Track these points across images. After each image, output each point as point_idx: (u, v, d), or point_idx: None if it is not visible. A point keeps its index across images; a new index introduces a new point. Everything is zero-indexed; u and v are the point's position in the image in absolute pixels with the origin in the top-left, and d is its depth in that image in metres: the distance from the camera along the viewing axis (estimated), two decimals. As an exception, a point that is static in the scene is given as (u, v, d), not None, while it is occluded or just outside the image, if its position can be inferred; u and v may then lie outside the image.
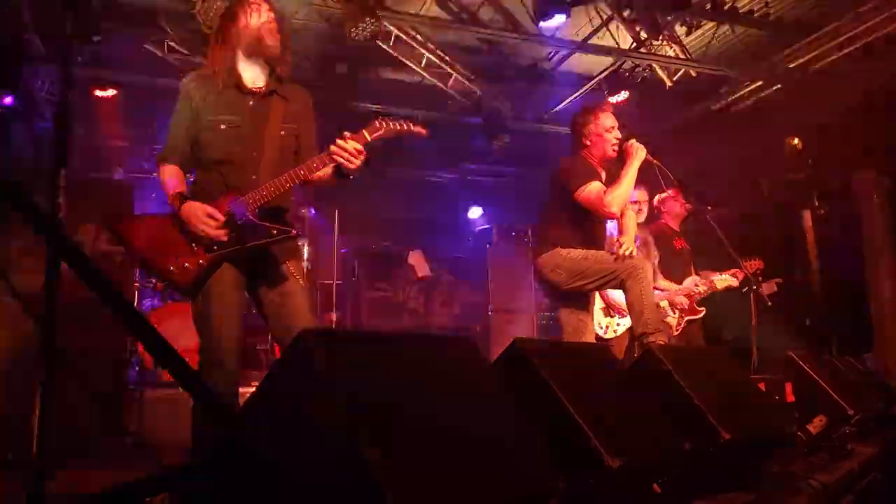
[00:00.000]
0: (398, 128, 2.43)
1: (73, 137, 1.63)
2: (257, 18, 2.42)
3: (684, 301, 4.80)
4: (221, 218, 2.29)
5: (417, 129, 2.49)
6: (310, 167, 2.36)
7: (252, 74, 2.47)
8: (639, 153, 3.49)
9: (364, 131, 2.39)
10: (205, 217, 2.28)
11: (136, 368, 4.79)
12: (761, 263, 5.02)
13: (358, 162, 2.33)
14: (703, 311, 4.87)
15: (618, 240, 3.60)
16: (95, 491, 1.27)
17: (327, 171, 2.42)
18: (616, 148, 3.59)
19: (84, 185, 4.77)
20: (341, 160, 2.33)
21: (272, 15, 2.45)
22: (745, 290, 4.96)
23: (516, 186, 8.88)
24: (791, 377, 3.81)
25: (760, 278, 4.99)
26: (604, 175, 3.66)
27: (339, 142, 2.32)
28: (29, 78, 5.72)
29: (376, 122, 2.42)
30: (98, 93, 6.19)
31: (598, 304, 4.54)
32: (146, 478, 1.36)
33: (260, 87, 2.47)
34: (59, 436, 1.64)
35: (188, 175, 2.49)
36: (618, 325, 4.58)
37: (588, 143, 3.66)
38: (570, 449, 1.62)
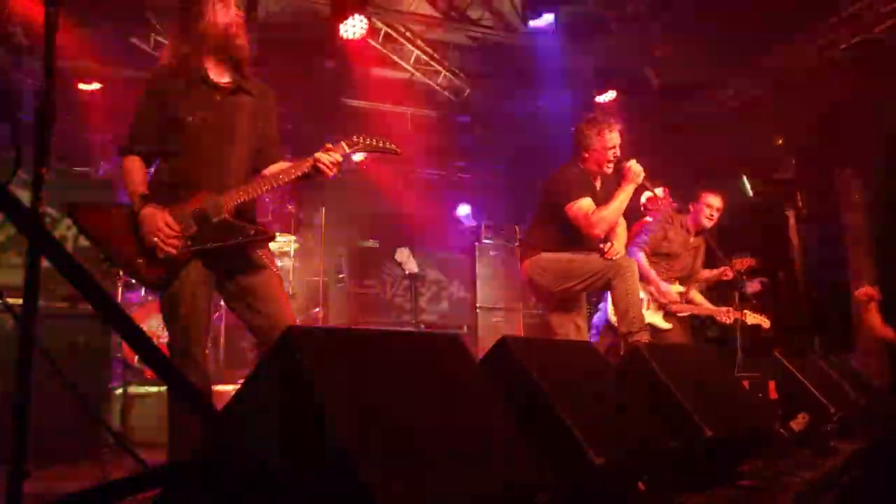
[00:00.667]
0: (374, 144, 2.59)
1: (56, 132, 1.60)
2: (224, 16, 2.41)
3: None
4: (177, 229, 2.29)
5: (391, 147, 2.65)
6: (289, 172, 2.44)
7: (217, 70, 2.47)
8: (635, 177, 3.47)
9: (343, 143, 2.51)
10: (161, 224, 2.26)
11: (119, 365, 4.74)
12: (752, 261, 5.06)
13: (335, 171, 2.45)
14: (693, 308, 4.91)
15: (609, 242, 3.60)
16: (76, 490, 1.25)
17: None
18: (611, 167, 3.59)
19: (66, 180, 4.70)
20: (322, 168, 2.43)
21: (239, 12, 2.46)
22: (739, 284, 4.99)
23: (504, 184, 8.89)
24: (774, 376, 3.85)
25: (745, 277, 5.03)
26: (598, 184, 3.68)
27: (322, 154, 2.44)
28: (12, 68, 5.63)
29: (354, 137, 2.55)
30: (82, 86, 6.12)
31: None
32: (128, 477, 1.35)
33: (227, 83, 2.47)
34: (39, 434, 1.61)
35: (150, 168, 2.47)
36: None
37: (587, 155, 3.65)
38: (555, 446, 1.63)
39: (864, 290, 4.25)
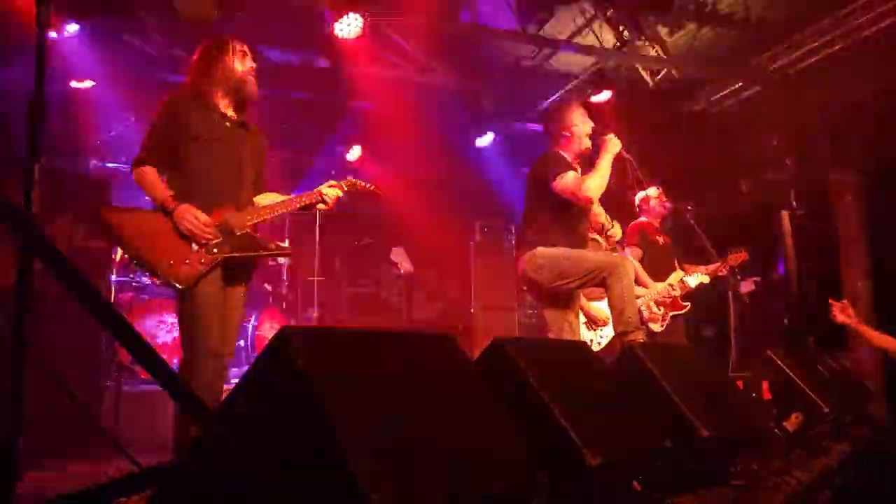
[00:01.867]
0: (365, 188, 3.10)
1: (48, 129, 1.59)
2: (241, 65, 2.73)
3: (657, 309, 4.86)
4: (210, 223, 2.52)
5: (377, 192, 3.19)
6: (301, 201, 2.80)
7: (225, 105, 2.76)
8: (612, 146, 3.55)
9: (343, 183, 2.96)
10: (202, 223, 2.49)
11: (112, 365, 4.72)
12: (746, 255, 5.08)
13: (334, 205, 2.86)
14: (687, 306, 4.91)
15: (610, 222, 3.66)
16: (69, 491, 1.24)
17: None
18: (589, 143, 3.65)
19: (59, 177, 4.67)
20: (325, 200, 2.82)
21: (254, 64, 2.78)
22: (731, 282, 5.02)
23: (499, 184, 8.88)
24: (768, 375, 3.86)
25: (739, 277, 5.05)
26: (579, 171, 3.69)
27: (327, 189, 2.85)
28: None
29: (351, 178, 3.02)
30: (74, 83, 6.08)
31: (581, 318, 4.57)
32: (121, 478, 1.34)
33: (233, 117, 2.77)
34: (32, 434, 1.60)
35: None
36: (601, 337, 4.60)
37: (562, 138, 3.70)
38: (550, 446, 1.63)
39: (838, 314, 4.26)
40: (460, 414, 1.47)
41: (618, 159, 3.60)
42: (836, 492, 2.88)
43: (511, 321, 7.62)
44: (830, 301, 4.28)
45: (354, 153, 7.62)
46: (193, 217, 2.48)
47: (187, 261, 2.45)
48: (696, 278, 4.95)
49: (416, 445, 1.27)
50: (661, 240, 5.15)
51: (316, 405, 1.17)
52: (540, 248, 3.59)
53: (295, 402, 1.21)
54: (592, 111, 3.80)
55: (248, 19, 5.15)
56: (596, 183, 3.48)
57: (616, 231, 3.92)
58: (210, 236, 2.50)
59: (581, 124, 3.66)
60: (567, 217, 3.62)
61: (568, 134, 3.67)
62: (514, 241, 7.76)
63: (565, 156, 3.68)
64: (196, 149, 2.60)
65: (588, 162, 3.69)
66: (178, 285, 2.44)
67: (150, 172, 2.58)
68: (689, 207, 5.03)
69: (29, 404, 1.38)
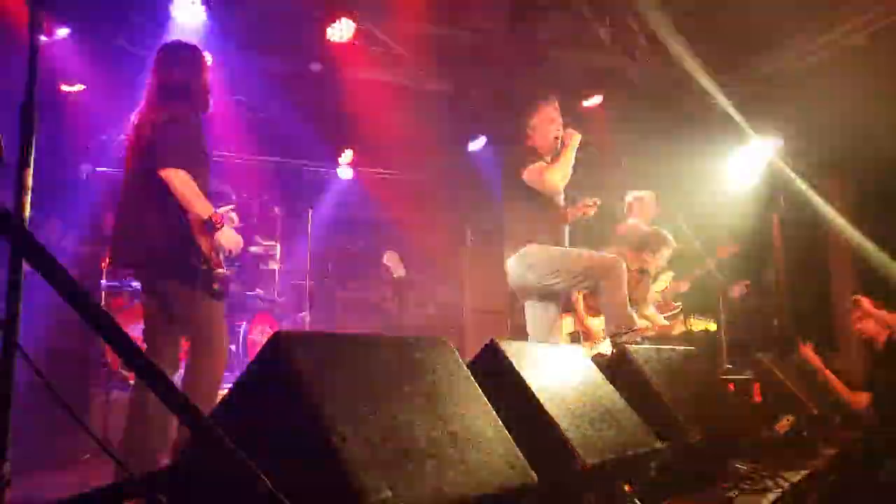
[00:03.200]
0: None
1: (38, 133, 1.59)
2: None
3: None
4: None
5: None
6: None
7: None
8: (574, 140, 3.72)
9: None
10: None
11: (103, 370, 4.68)
12: (737, 248, 5.11)
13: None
14: (678, 307, 4.93)
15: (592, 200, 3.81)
16: (57, 498, 1.23)
17: None
18: (557, 137, 3.78)
19: (49, 181, 4.64)
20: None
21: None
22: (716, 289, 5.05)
23: (491, 188, 8.89)
24: (759, 378, 3.88)
25: (729, 278, 5.07)
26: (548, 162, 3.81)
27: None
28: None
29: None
30: (65, 87, 6.05)
31: (566, 329, 4.59)
32: (112, 485, 1.33)
33: None
34: (21, 440, 1.59)
35: None
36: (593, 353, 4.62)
37: (531, 133, 3.82)
38: (544, 448, 1.63)
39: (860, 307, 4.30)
40: (454, 416, 1.47)
41: (582, 144, 3.76)
42: (826, 492, 2.90)
43: (503, 324, 7.62)
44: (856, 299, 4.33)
45: (346, 157, 7.62)
46: (236, 242, 2.81)
47: (221, 270, 2.73)
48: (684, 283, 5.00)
49: (409, 447, 1.27)
50: None
51: (310, 409, 1.17)
52: (529, 246, 3.58)
53: (289, 406, 1.21)
54: (573, 112, 3.95)
55: (241, 24, 5.14)
56: (558, 172, 3.63)
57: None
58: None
59: (551, 120, 3.81)
60: (544, 205, 3.70)
61: (537, 130, 3.81)
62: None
63: (536, 148, 3.81)
64: (203, 161, 2.79)
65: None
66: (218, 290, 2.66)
67: (185, 174, 2.63)
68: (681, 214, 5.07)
69: (17, 410, 1.37)
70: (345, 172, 7.82)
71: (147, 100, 2.85)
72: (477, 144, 7.52)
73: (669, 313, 4.90)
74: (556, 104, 3.88)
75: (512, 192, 3.78)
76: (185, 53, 2.92)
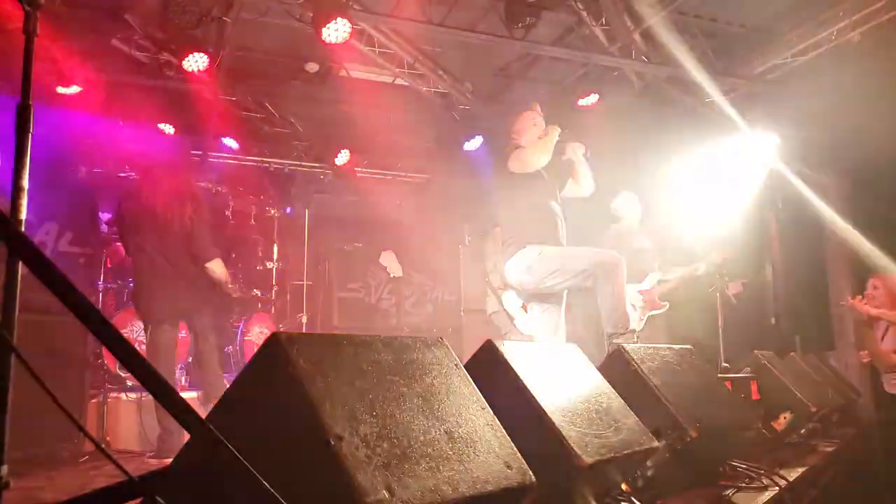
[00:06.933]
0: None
1: (34, 136, 1.58)
2: None
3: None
4: None
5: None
6: None
7: None
8: (552, 131, 3.85)
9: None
10: None
11: (100, 372, 4.67)
12: (731, 254, 5.13)
13: None
14: (665, 306, 4.91)
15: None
16: (54, 500, 1.23)
17: None
18: (540, 137, 3.88)
19: (46, 183, 4.63)
20: None
21: None
22: (711, 289, 5.05)
23: (487, 187, 8.89)
24: (757, 376, 3.89)
25: (726, 277, 5.08)
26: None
27: None
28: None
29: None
30: (61, 89, 6.03)
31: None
32: (110, 486, 1.33)
33: None
34: (18, 442, 1.58)
35: None
36: None
37: (516, 137, 3.96)
38: (541, 447, 1.63)
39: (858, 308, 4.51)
40: (452, 416, 1.47)
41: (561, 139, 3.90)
42: (824, 489, 2.90)
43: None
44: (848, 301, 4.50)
45: (343, 158, 7.61)
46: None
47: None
48: (672, 277, 5.01)
49: (407, 447, 1.27)
50: (639, 243, 5.17)
51: (307, 409, 1.17)
52: (529, 247, 3.58)
53: (287, 406, 1.21)
54: (569, 111, 4.08)
55: (237, 25, 5.13)
56: (537, 152, 3.77)
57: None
58: None
59: (535, 125, 3.95)
60: (535, 204, 3.75)
61: (522, 134, 3.96)
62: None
63: (521, 146, 3.90)
64: None
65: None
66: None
67: None
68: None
69: (17, 412, 1.37)
70: (341, 173, 7.81)
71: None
72: (473, 144, 7.52)
73: (657, 311, 4.89)
74: (538, 108, 4.04)
75: (506, 192, 3.78)
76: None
